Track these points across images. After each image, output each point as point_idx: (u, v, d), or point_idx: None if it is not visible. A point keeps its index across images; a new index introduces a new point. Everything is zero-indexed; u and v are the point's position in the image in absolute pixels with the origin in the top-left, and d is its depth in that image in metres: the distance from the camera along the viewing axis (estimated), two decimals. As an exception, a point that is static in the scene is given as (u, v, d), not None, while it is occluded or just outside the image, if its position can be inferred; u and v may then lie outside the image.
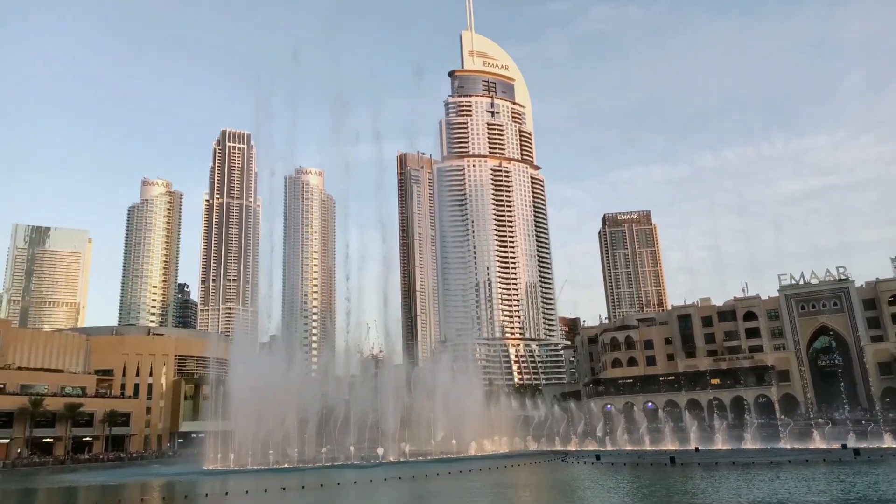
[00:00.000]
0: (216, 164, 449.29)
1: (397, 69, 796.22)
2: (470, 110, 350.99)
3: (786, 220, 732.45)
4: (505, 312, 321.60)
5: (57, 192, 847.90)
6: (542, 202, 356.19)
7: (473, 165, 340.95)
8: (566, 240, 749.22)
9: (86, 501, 56.28)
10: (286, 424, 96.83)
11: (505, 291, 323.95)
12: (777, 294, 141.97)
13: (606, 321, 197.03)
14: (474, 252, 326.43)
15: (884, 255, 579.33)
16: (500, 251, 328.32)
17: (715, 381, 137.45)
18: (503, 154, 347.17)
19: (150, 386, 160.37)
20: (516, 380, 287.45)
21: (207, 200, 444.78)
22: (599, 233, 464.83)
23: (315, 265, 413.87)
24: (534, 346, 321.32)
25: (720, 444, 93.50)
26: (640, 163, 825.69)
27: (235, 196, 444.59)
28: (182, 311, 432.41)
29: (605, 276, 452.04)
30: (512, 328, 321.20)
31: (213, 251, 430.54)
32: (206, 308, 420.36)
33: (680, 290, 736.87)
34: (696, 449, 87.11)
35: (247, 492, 55.93)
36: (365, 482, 61.16)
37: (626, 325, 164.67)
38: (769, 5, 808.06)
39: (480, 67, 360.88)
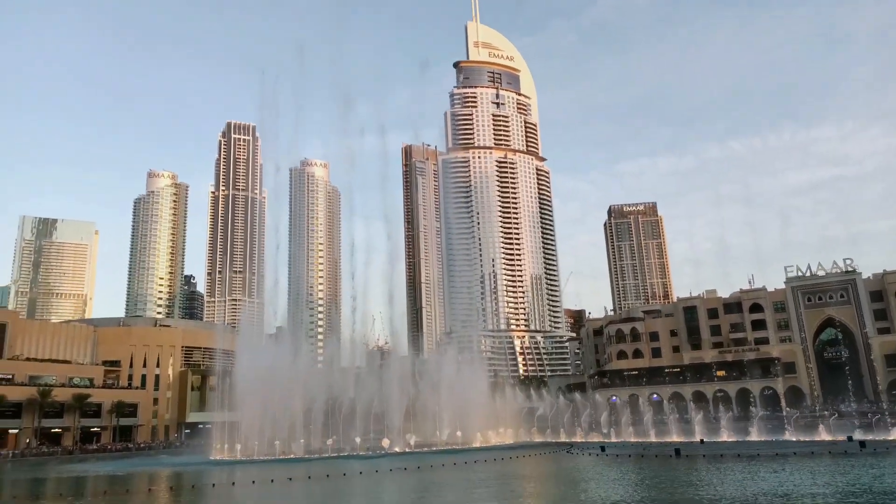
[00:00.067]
0: (221, 156, 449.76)
1: (402, 60, 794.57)
2: (475, 101, 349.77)
3: (793, 212, 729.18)
4: (510, 304, 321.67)
5: (64, 184, 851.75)
6: (548, 194, 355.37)
7: (478, 157, 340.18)
8: (572, 231, 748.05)
9: (94, 491, 56.79)
10: (292, 415, 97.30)
11: (510, 283, 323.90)
12: (783, 286, 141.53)
13: (612, 313, 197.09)
14: (479, 244, 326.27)
15: (891, 246, 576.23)
16: (506, 243, 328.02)
17: (720, 374, 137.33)
18: (508, 145, 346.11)
19: (157, 377, 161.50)
20: (521, 372, 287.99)
21: (213, 192, 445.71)
22: (605, 224, 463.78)
23: (320, 257, 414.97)
24: (539, 337, 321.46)
25: (725, 436, 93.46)
26: (646, 154, 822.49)
27: (241, 188, 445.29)
28: (188, 303, 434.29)
29: (610, 268, 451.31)
30: (517, 320, 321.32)
31: (218, 243, 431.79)
32: (213, 300, 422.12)
33: (686, 282, 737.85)
34: (702, 441, 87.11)
35: (253, 482, 56.31)
36: (371, 472, 61.48)
37: (632, 316, 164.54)
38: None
39: (485, 58, 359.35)
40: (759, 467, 52.21)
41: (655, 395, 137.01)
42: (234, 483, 58.24)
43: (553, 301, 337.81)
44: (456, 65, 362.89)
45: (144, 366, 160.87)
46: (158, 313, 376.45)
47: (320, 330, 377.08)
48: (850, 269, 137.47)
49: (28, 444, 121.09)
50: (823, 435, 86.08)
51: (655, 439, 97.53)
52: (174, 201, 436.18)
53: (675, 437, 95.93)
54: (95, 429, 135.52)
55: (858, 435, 78.27)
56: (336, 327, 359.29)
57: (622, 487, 45.33)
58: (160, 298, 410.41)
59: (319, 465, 70.59)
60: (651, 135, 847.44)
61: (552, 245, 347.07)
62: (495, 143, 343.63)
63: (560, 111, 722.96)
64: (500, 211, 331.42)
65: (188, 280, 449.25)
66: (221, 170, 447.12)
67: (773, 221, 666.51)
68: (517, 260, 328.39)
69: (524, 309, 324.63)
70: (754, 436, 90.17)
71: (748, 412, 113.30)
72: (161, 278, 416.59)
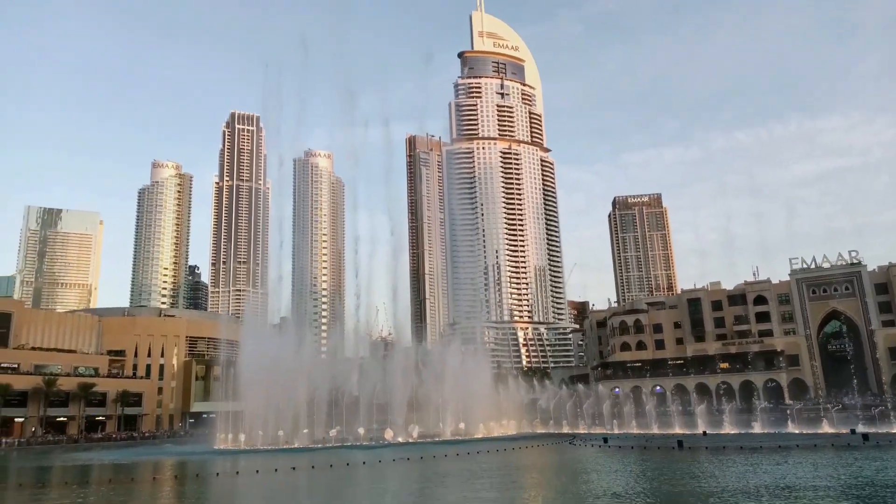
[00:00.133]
0: (225, 147, 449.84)
1: (407, 50, 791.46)
2: (479, 92, 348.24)
3: (798, 203, 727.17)
4: (514, 295, 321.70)
5: (68, 175, 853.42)
6: (552, 185, 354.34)
7: (483, 148, 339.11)
8: (576, 223, 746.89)
9: (99, 479, 57.16)
10: (296, 405, 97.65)
11: (514, 274, 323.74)
12: (788, 278, 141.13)
13: (616, 305, 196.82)
14: (483, 235, 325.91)
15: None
16: (510, 234, 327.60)
17: (724, 366, 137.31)
18: (513, 136, 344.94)
19: (161, 366, 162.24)
20: (525, 363, 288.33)
21: (217, 182, 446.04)
22: (609, 216, 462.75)
23: (324, 247, 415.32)
24: (542, 329, 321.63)
25: (728, 428, 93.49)
26: (652, 145, 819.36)
27: (245, 178, 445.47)
28: (193, 293, 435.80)
29: (614, 260, 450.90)
30: (521, 311, 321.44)
31: (223, 233, 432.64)
32: (217, 290, 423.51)
33: (690, 274, 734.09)
34: (704, 433, 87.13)
35: (257, 471, 56.58)
36: (374, 462, 61.72)
37: (636, 308, 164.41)
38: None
39: (490, 48, 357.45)
40: (761, 460, 52.18)
41: (658, 387, 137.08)
42: (238, 472, 58.55)
43: (557, 292, 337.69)
44: (460, 55, 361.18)
45: (149, 355, 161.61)
46: (163, 303, 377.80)
47: (324, 320, 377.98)
48: (855, 261, 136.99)
49: (33, 432, 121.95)
50: (826, 428, 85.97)
51: (658, 431, 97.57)
52: (178, 192, 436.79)
53: (677, 429, 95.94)
54: (100, 418, 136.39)
55: (862, 428, 78.17)
56: (340, 318, 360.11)
57: (624, 479, 45.38)
58: (164, 288, 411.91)
59: (323, 455, 70.88)
60: (657, 125, 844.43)
61: (556, 236, 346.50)
62: (500, 134, 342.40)
63: (565, 102, 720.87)
64: (504, 202, 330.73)
65: (192, 270, 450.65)
66: (225, 160, 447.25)
67: (778, 213, 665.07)
68: (521, 251, 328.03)
69: (528, 300, 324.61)
70: (757, 428, 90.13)
71: (751, 404, 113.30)
72: (165, 269, 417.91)
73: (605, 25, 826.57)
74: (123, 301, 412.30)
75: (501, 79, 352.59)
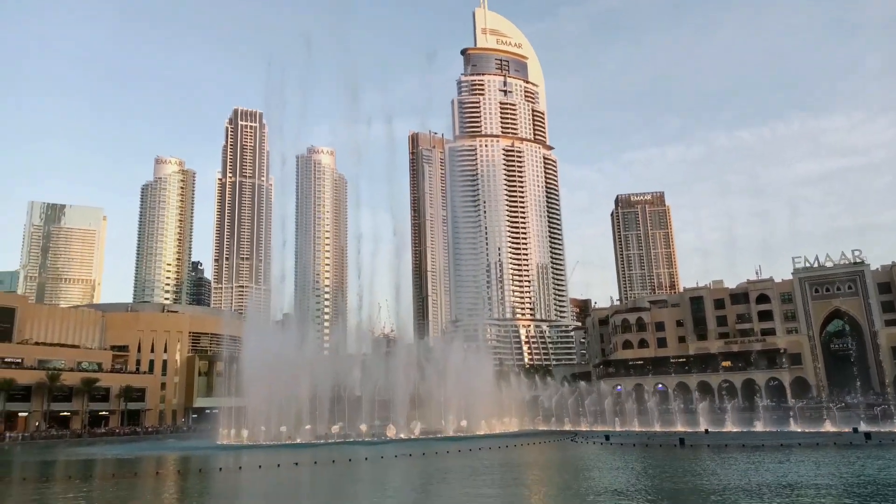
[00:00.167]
0: (228, 143, 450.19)
1: (409, 47, 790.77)
2: (482, 89, 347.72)
3: (801, 202, 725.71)
4: (516, 293, 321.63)
5: (72, 170, 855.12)
6: (555, 183, 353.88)
7: (485, 145, 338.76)
8: (578, 221, 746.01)
9: (103, 474, 57.44)
10: (298, 401, 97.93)
11: (516, 272, 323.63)
12: (791, 277, 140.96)
13: (618, 303, 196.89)
14: (486, 232, 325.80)
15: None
16: (512, 232, 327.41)
17: (726, 364, 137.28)
18: (516, 134, 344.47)
19: (164, 362, 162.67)
20: (527, 360, 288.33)
21: (220, 179, 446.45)
22: (612, 214, 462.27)
23: (327, 244, 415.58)
24: (544, 327, 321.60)
25: (730, 426, 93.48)
26: (654, 143, 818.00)
27: (248, 175, 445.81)
28: (196, 289, 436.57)
29: (616, 258, 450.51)
30: (523, 309, 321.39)
31: (226, 230, 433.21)
32: (220, 286, 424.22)
33: (692, 272, 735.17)
34: (706, 431, 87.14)
35: (260, 466, 56.79)
36: (376, 458, 61.93)
37: (638, 306, 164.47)
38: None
39: (493, 45, 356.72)
40: (763, 458, 52.24)
41: (660, 385, 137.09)
42: (240, 467, 58.77)
43: (559, 290, 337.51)
44: (463, 52, 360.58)
45: (152, 351, 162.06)
46: (166, 299, 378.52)
47: (327, 317, 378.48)
48: (858, 260, 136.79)
49: (37, 427, 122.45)
50: (829, 426, 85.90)
51: (660, 429, 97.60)
52: (181, 188, 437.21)
53: (679, 427, 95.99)
54: (104, 413, 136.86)
55: (864, 427, 78.14)
56: (342, 314, 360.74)
57: (626, 476, 45.47)
58: (168, 284, 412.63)
59: (325, 451, 71.13)
60: (659, 124, 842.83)
61: (559, 234, 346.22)
62: (502, 132, 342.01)
63: (568, 99, 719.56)
64: (506, 199, 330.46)
65: (195, 266, 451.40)
66: (228, 156, 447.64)
67: (781, 212, 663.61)
68: (523, 249, 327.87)
69: (530, 298, 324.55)
70: (759, 426, 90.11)
71: (753, 403, 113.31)
72: (168, 264, 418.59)
73: (607, 23, 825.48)
74: (127, 297, 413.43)
75: (504, 76, 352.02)
